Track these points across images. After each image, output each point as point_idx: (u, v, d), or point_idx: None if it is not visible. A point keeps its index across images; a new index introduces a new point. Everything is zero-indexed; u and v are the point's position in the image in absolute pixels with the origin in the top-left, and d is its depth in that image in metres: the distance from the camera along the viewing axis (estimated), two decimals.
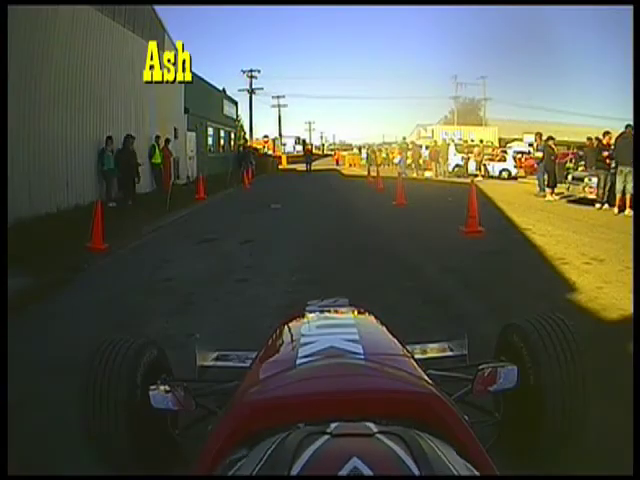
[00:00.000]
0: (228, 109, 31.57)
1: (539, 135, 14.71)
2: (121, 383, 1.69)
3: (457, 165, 23.60)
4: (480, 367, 1.47)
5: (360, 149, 45.46)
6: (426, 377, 1.19)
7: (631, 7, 5.76)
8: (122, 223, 8.77)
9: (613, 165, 11.01)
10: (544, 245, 7.02)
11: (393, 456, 0.65)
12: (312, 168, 33.99)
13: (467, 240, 7.55)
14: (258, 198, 14.76)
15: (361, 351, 1.26)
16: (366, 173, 23.99)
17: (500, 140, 34.20)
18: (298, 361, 1.23)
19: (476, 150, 23.86)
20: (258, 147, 39.44)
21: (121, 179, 12.10)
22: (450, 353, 2.21)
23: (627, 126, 10.60)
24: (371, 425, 0.74)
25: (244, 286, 5.25)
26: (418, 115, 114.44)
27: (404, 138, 29.97)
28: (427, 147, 28.97)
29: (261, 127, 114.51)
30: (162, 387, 1.41)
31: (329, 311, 1.94)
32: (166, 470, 1.72)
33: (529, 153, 26.00)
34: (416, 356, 1.57)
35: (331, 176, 27.83)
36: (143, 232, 8.62)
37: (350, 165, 39.30)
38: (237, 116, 36.04)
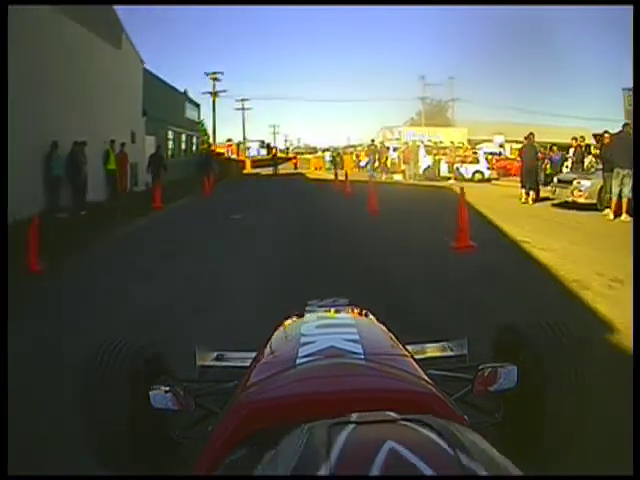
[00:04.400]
0: (190, 112, 32.21)
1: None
2: (121, 383, 1.76)
3: (428, 167, 23.91)
4: (480, 367, 1.56)
5: (324, 152, 46.88)
6: (426, 377, 1.25)
7: (631, 7, 6.02)
8: (69, 236, 8.39)
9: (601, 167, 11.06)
10: (550, 262, 6.51)
11: (427, 439, 0.66)
12: (279, 172, 34.98)
13: (460, 258, 6.94)
14: (218, 206, 14.58)
15: (361, 351, 1.32)
16: (332, 177, 24.20)
17: (469, 141, 34.96)
18: (298, 361, 1.29)
19: (448, 151, 24.22)
20: (221, 151, 40.36)
21: (73, 187, 11.92)
22: (450, 353, 2.31)
23: (624, 125, 10.42)
24: (392, 413, 0.75)
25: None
26: (383, 117, 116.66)
27: (372, 140, 30.37)
28: (395, 149, 29.58)
29: (225, 131, 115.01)
30: (162, 387, 1.49)
31: (329, 311, 2.02)
32: (166, 470, 1.80)
33: (500, 154, 27.11)
34: (416, 356, 1.61)
35: (296, 180, 27.74)
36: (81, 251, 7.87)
37: (315, 169, 39.89)
38: (199, 119, 36.92)
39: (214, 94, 39.87)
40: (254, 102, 74.07)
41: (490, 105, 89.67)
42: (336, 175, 21.95)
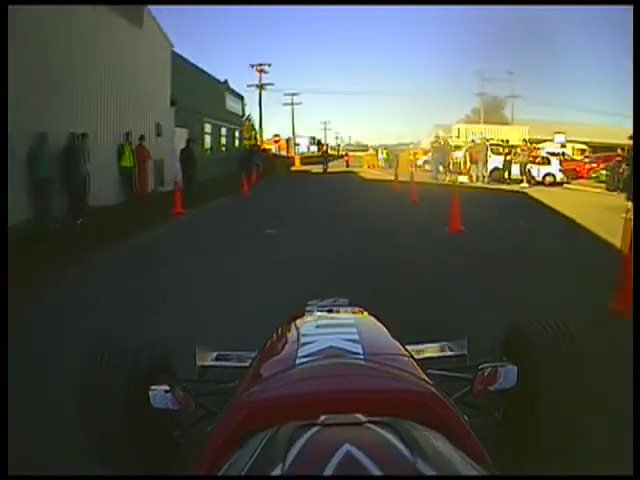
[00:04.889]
0: (232, 104, 31.18)
1: None
2: (121, 383, 1.92)
3: (496, 168, 23.00)
4: (480, 367, 1.71)
5: (377, 150, 46.79)
6: (426, 377, 1.37)
7: (631, 7, 6.19)
8: (40, 256, 7.05)
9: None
10: None
11: (385, 442, 0.75)
12: (328, 170, 35.46)
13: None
14: (252, 214, 13.19)
15: (361, 351, 1.46)
16: (388, 177, 23.55)
17: (529, 141, 35.47)
18: (298, 361, 1.42)
19: (519, 151, 22.88)
20: (267, 147, 41.01)
21: (68, 189, 10.77)
22: (450, 353, 2.50)
23: None
24: (360, 415, 0.85)
25: None
26: (435, 115, 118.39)
27: (437, 137, 29.45)
28: (457, 147, 29.14)
29: (272, 126, 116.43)
30: (162, 387, 1.63)
31: (329, 311, 2.19)
32: (166, 470, 1.93)
33: (563, 154, 26.59)
34: (416, 356, 1.76)
35: (348, 180, 26.97)
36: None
37: (368, 167, 40.57)
38: (243, 112, 36.70)
39: (260, 87, 39.90)
40: (304, 97, 75.84)
41: (549, 103, 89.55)
42: (396, 176, 20.35)
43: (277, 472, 0.70)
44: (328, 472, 0.68)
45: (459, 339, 2.59)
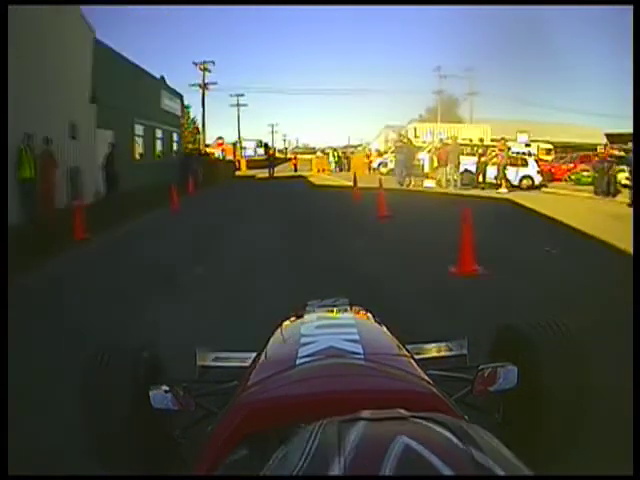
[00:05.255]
0: (169, 103, 29.53)
1: None
2: (121, 383, 2.03)
3: (467, 171, 21.78)
4: (480, 367, 1.83)
5: (327, 153, 46.11)
6: (426, 377, 1.46)
7: (631, 7, 6.75)
8: None
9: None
10: None
11: (438, 435, 0.78)
12: (275, 174, 35.55)
13: None
14: (178, 240, 10.53)
15: (361, 351, 1.56)
16: (342, 181, 23.75)
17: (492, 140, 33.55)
18: (298, 361, 1.52)
19: (497, 151, 21.91)
20: (211, 152, 41.13)
21: None
22: (450, 353, 2.64)
23: None
24: (402, 410, 0.87)
25: None
26: (385, 115, 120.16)
27: (401, 135, 27.96)
28: (418, 148, 27.38)
29: (217, 129, 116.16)
30: (162, 387, 1.74)
31: (329, 311, 2.32)
32: (166, 470, 2.04)
33: (529, 154, 25.97)
34: (416, 356, 1.87)
35: (297, 185, 25.91)
36: None
37: (318, 170, 39.93)
38: (183, 113, 35.67)
39: (203, 86, 39.87)
40: (249, 97, 76.30)
41: (509, 101, 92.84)
42: (355, 181, 18.47)
43: (335, 471, 0.72)
44: (389, 467, 0.70)
45: (459, 339, 2.72)
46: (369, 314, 2.24)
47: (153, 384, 1.85)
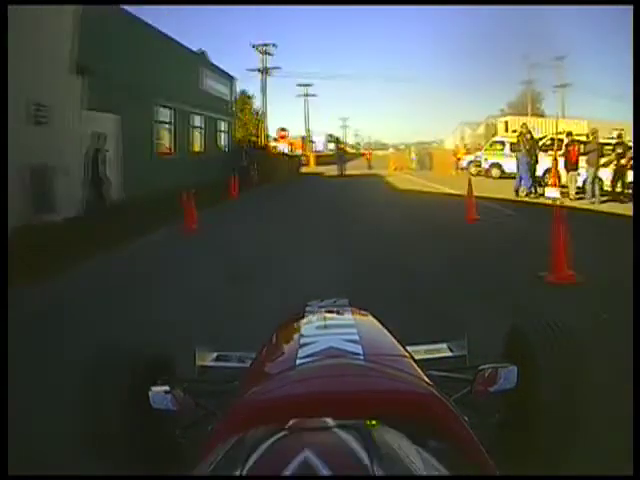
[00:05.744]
0: (212, 84, 24.39)
1: None
2: (121, 383, 2.03)
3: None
4: (480, 368, 1.84)
5: (408, 148, 42.76)
6: (426, 378, 1.47)
7: (631, 7, 6.65)
8: None
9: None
10: None
11: (345, 448, 0.82)
12: (346, 171, 32.00)
13: None
14: (183, 291, 6.62)
15: (361, 351, 1.57)
16: (429, 184, 20.73)
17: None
18: (298, 361, 1.53)
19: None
20: (273, 145, 37.41)
21: None
22: (450, 354, 2.66)
23: None
24: (329, 419, 0.92)
25: None
26: (461, 111, 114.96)
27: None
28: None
29: (280, 122, 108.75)
30: (162, 387, 1.76)
31: (329, 311, 2.32)
32: (166, 470, 2.04)
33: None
34: (416, 356, 1.86)
35: (373, 187, 21.82)
36: None
37: (396, 169, 35.81)
38: (235, 99, 31.14)
39: (264, 71, 35.30)
40: (318, 89, 69.95)
41: (600, 96, 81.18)
42: (470, 190, 12.54)
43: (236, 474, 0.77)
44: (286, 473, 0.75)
45: (459, 339, 2.73)
46: (369, 314, 2.25)
47: (153, 383, 1.86)
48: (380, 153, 47.96)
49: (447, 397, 1.36)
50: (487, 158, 26.97)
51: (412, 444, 0.90)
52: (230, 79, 27.39)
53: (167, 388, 1.79)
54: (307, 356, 1.58)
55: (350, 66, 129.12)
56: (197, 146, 22.46)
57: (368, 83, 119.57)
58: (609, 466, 2.34)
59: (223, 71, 26.32)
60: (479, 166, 28.28)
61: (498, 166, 26.85)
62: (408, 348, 1.88)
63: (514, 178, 18.83)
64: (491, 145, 27.84)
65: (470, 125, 42.79)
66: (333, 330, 1.87)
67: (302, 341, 1.72)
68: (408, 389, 1.33)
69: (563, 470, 2.11)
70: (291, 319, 2.15)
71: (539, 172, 18.53)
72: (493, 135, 33.63)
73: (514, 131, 26.77)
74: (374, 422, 1.03)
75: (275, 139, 39.01)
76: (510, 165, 22.97)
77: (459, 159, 32.25)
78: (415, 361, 1.69)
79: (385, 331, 1.99)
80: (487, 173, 26.99)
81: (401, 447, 0.85)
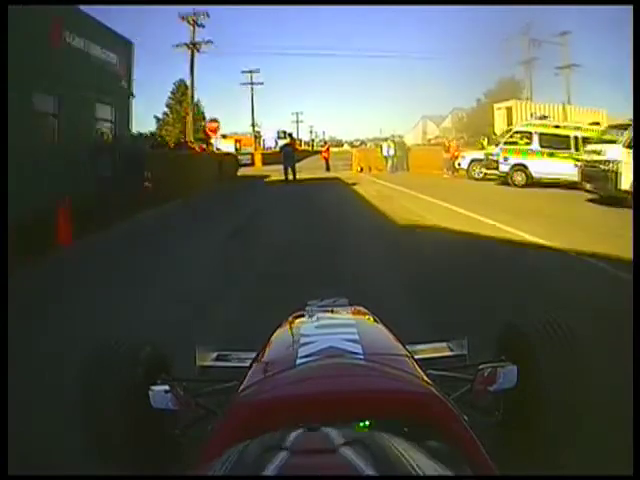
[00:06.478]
0: (87, 49, 16.07)
1: None
2: (121, 383, 2.03)
3: None
4: (480, 367, 1.86)
5: (379, 144, 34.22)
6: (426, 377, 1.47)
7: (631, 7, 6.65)
8: None
9: None
10: None
11: (338, 448, 0.83)
12: (298, 174, 23.72)
13: None
14: None
15: (360, 351, 1.56)
16: (414, 194, 14.83)
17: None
18: (298, 361, 1.53)
19: None
20: (212, 140, 30.84)
21: None
22: (450, 353, 2.66)
23: None
24: (334, 435, 0.89)
25: None
26: (421, 104, 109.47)
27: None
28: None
29: (219, 114, 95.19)
30: (162, 387, 1.76)
31: (328, 311, 2.33)
32: (166, 470, 2.05)
33: None
34: (416, 356, 1.88)
35: (344, 207, 13.82)
36: None
37: (361, 170, 28.34)
38: (128, 73, 19.69)
39: (192, 46, 27.77)
40: (265, 77, 60.18)
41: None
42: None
43: None
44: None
45: (459, 339, 2.74)
46: (369, 314, 2.25)
47: (153, 383, 1.87)
48: (336, 150, 41.64)
49: (447, 396, 1.37)
50: (507, 156, 18.85)
51: (411, 444, 0.89)
52: (124, 44, 19.31)
53: (167, 387, 1.80)
54: (307, 356, 1.58)
55: (302, 57, 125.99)
56: (69, 140, 14.31)
57: (322, 73, 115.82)
58: (609, 466, 2.34)
59: (110, 30, 18.11)
60: (491, 168, 20.30)
61: (523, 168, 18.82)
62: (408, 347, 1.89)
63: (550, 186, 14.38)
64: (511, 137, 19.53)
65: (433, 119, 39.72)
66: (333, 330, 1.87)
67: (302, 341, 1.73)
68: (408, 389, 1.34)
69: (563, 470, 2.13)
70: (291, 318, 2.16)
71: (624, 182, 12.27)
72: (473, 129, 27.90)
73: (543, 117, 20.47)
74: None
75: (206, 133, 31.61)
76: (542, 167, 17.95)
77: (455, 157, 24.64)
78: (415, 360, 1.70)
79: (385, 330, 2.00)
80: (505, 179, 19.25)
81: (400, 447, 0.85)
